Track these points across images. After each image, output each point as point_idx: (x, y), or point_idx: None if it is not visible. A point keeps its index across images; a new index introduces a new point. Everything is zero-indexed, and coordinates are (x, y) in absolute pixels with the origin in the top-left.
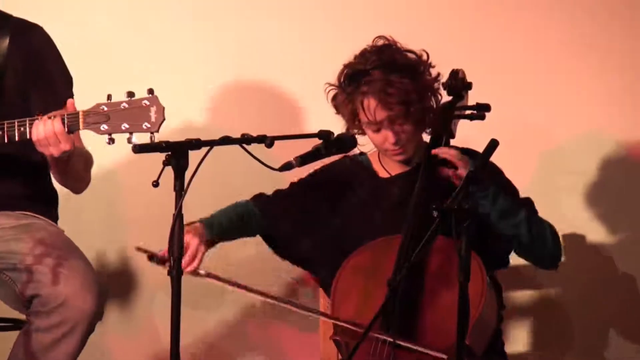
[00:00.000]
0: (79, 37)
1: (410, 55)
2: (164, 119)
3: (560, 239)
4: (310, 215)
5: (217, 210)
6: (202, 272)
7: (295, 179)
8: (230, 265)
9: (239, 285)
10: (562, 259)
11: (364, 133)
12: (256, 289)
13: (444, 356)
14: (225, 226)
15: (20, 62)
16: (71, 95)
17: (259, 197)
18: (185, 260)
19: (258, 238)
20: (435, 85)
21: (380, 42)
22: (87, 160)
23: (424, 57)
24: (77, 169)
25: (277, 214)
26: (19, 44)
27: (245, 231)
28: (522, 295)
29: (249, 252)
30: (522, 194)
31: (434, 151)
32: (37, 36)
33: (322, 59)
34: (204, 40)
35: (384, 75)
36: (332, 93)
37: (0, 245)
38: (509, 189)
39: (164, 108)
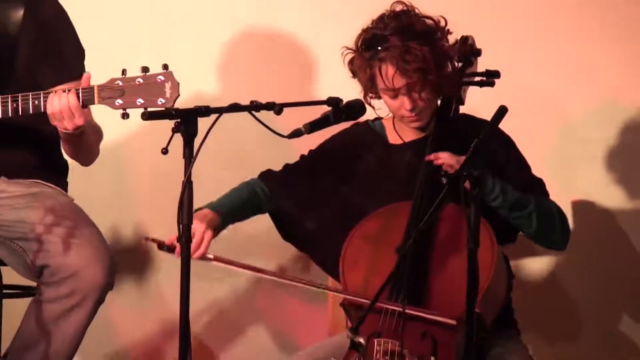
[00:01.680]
0: (89, 7)
1: (428, 21)
2: (179, 95)
3: (569, 221)
4: (316, 189)
5: (230, 189)
6: (209, 256)
7: (305, 148)
8: (239, 237)
9: (246, 267)
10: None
11: (379, 97)
12: (263, 269)
13: (453, 322)
14: (236, 207)
15: (33, 33)
16: (83, 68)
17: (268, 175)
18: (192, 246)
19: None
20: (452, 52)
21: (399, 8)
22: (97, 133)
23: (442, 23)
24: (88, 142)
25: (284, 193)
26: (33, 15)
27: (257, 210)
28: (531, 263)
29: (260, 223)
30: (539, 163)
31: (427, 157)
32: (51, 8)
33: (332, 25)
34: (213, 7)
35: (402, 41)
36: (349, 57)
37: (11, 213)
38: (521, 164)
39: (178, 84)
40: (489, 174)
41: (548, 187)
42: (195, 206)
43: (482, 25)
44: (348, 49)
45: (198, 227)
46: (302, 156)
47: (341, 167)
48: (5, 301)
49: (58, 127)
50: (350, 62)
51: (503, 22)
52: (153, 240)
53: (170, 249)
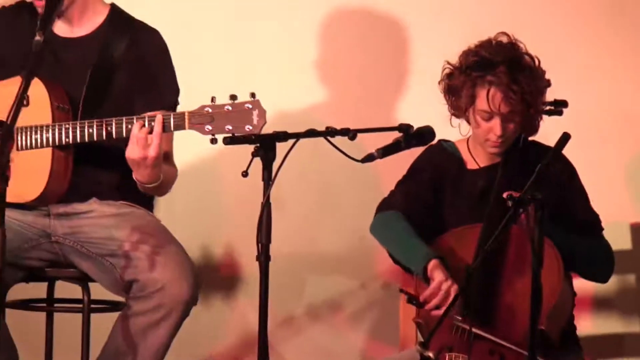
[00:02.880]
0: (181, 37)
1: (528, 58)
2: (265, 122)
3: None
4: (424, 204)
5: (400, 234)
6: (459, 317)
7: (379, 171)
8: (319, 254)
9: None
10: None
11: (459, 116)
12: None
13: (514, 347)
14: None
15: (134, 62)
16: (176, 103)
17: (392, 202)
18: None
19: (349, 227)
20: (545, 89)
21: (505, 39)
22: (170, 173)
23: (536, 61)
24: (161, 184)
25: (410, 213)
26: (137, 46)
27: None
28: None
29: (341, 240)
30: (615, 184)
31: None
32: (154, 42)
33: (405, 53)
34: (289, 39)
35: (511, 71)
36: (447, 71)
37: (102, 231)
38: (582, 193)
39: (265, 111)
40: (552, 225)
41: (624, 208)
42: (277, 226)
43: (549, 55)
44: (449, 64)
45: (452, 284)
46: (399, 182)
47: (435, 187)
48: (93, 315)
49: (128, 155)
50: (449, 76)
51: (570, 52)
52: (407, 292)
53: (419, 303)
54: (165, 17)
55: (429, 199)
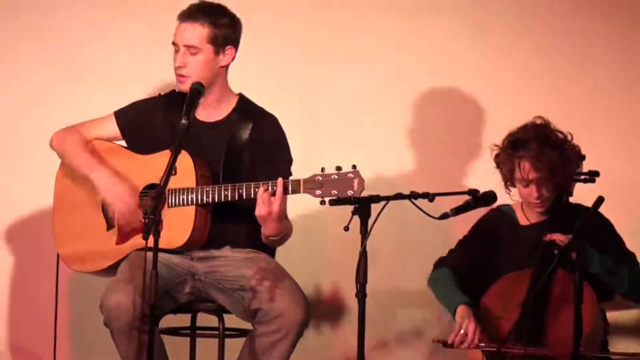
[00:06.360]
0: (298, 120)
1: (559, 134)
2: (364, 189)
3: None
4: (476, 261)
5: (444, 287)
6: (482, 344)
7: (450, 225)
8: (404, 291)
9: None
10: None
11: (513, 185)
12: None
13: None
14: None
15: (257, 143)
16: (290, 174)
17: (445, 261)
18: (471, 339)
19: (429, 271)
20: (575, 159)
21: (539, 121)
22: (287, 230)
23: (569, 137)
24: (280, 237)
25: (458, 270)
26: (259, 129)
27: None
28: (624, 314)
29: (422, 282)
30: (632, 237)
31: (544, 237)
32: (272, 125)
33: (479, 131)
34: (386, 120)
35: (538, 146)
36: (495, 152)
37: (234, 271)
38: (617, 239)
39: (363, 180)
40: (592, 249)
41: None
42: (372, 270)
43: (584, 134)
44: (496, 145)
45: (471, 325)
46: (460, 241)
47: (488, 243)
48: (227, 340)
49: (257, 213)
50: (497, 156)
51: (601, 131)
52: (439, 340)
53: (450, 345)
54: (286, 106)
55: (480, 254)
